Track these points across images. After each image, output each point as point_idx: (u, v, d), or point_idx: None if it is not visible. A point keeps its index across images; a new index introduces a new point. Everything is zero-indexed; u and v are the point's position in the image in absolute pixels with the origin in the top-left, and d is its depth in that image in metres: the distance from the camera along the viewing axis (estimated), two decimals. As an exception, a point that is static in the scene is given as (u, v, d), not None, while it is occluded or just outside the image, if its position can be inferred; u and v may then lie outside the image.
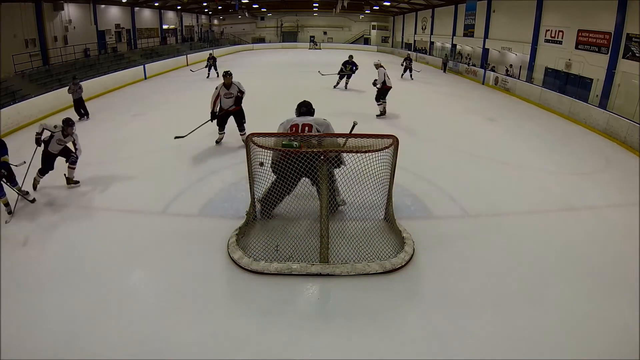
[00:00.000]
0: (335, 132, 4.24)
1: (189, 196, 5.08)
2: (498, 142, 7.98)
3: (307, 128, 4.20)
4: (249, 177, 4.11)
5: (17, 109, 8.64)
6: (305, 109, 4.49)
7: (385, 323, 3.07)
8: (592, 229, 4.60)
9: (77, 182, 5.40)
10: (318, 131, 4.19)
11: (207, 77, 15.86)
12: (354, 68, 12.74)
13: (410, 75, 16.57)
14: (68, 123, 5.15)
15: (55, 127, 5.14)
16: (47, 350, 2.76)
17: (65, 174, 5.34)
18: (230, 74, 6.68)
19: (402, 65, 16.85)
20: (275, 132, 4.22)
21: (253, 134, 3.81)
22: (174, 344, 2.84)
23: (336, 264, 3.64)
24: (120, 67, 15.61)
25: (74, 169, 5.34)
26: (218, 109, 6.76)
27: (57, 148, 5.23)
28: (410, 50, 27.54)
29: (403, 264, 3.69)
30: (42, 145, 5.19)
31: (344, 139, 3.96)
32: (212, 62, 16.09)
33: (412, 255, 3.83)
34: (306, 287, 3.50)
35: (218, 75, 15.89)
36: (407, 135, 7.26)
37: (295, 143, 3.76)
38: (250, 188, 4.18)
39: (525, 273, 3.71)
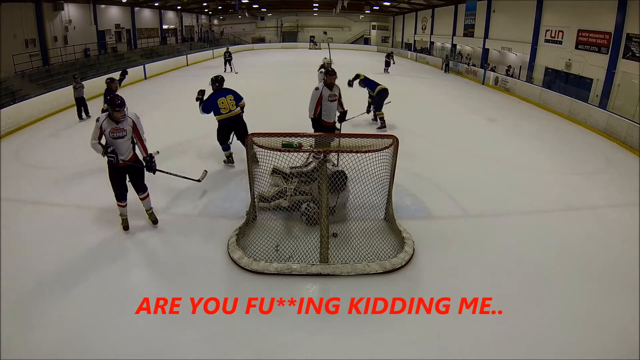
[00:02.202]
0: None
1: (189, 196, 5.08)
2: (498, 142, 7.98)
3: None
4: (249, 177, 4.12)
5: (17, 109, 8.65)
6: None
7: (385, 323, 3.07)
8: (592, 229, 4.60)
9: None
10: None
11: (224, 71, 16.44)
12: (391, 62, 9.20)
13: (387, 70, 18.01)
14: (114, 103, 3.70)
15: (97, 119, 3.82)
16: (47, 350, 2.75)
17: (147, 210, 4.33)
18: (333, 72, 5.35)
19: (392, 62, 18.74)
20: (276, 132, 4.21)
21: (253, 134, 3.81)
22: (174, 343, 2.85)
23: (336, 264, 3.64)
24: (121, 67, 15.57)
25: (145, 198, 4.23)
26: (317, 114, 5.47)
27: (124, 147, 3.88)
28: (410, 50, 27.57)
29: (403, 264, 3.69)
30: (107, 153, 3.79)
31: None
32: (228, 57, 17.03)
33: (412, 255, 3.83)
34: (306, 287, 3.50)
35: (232, 70, 16.77)
36: (407, 135, 7.24)
37: (295, 143, 3.76)
38: (250, 188, 4.19)
39: (526, 273, 3.71)
